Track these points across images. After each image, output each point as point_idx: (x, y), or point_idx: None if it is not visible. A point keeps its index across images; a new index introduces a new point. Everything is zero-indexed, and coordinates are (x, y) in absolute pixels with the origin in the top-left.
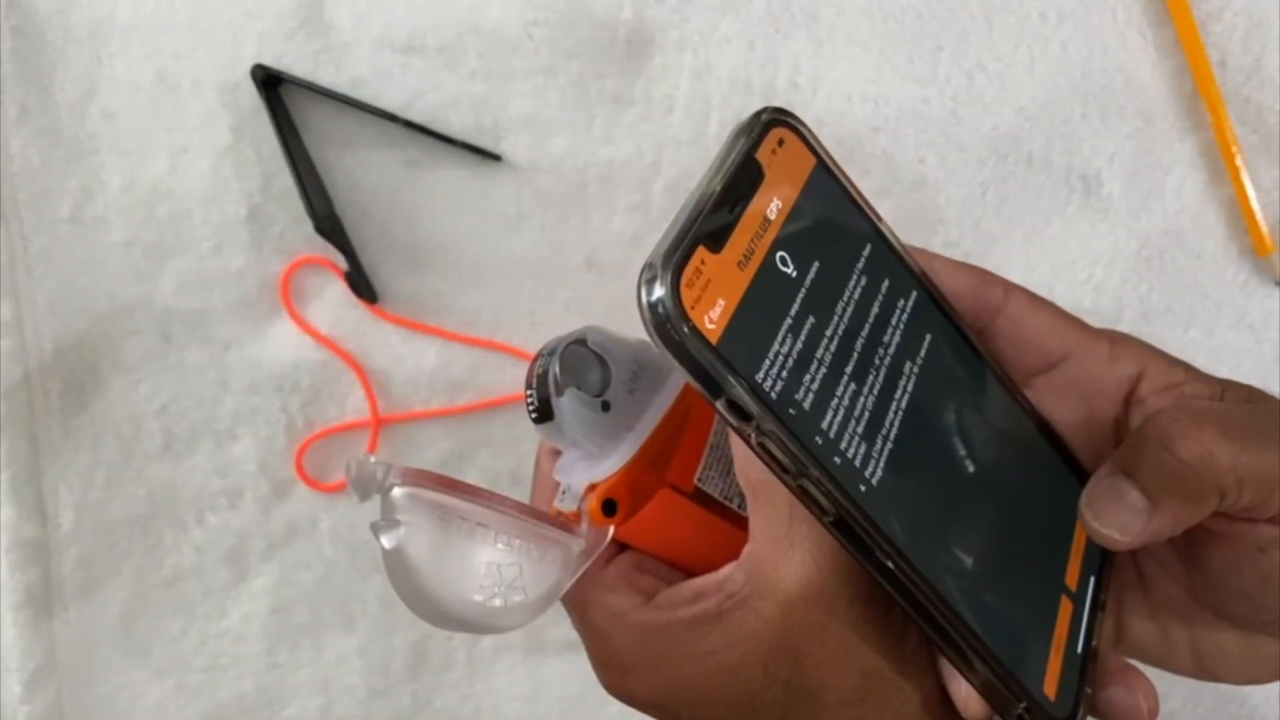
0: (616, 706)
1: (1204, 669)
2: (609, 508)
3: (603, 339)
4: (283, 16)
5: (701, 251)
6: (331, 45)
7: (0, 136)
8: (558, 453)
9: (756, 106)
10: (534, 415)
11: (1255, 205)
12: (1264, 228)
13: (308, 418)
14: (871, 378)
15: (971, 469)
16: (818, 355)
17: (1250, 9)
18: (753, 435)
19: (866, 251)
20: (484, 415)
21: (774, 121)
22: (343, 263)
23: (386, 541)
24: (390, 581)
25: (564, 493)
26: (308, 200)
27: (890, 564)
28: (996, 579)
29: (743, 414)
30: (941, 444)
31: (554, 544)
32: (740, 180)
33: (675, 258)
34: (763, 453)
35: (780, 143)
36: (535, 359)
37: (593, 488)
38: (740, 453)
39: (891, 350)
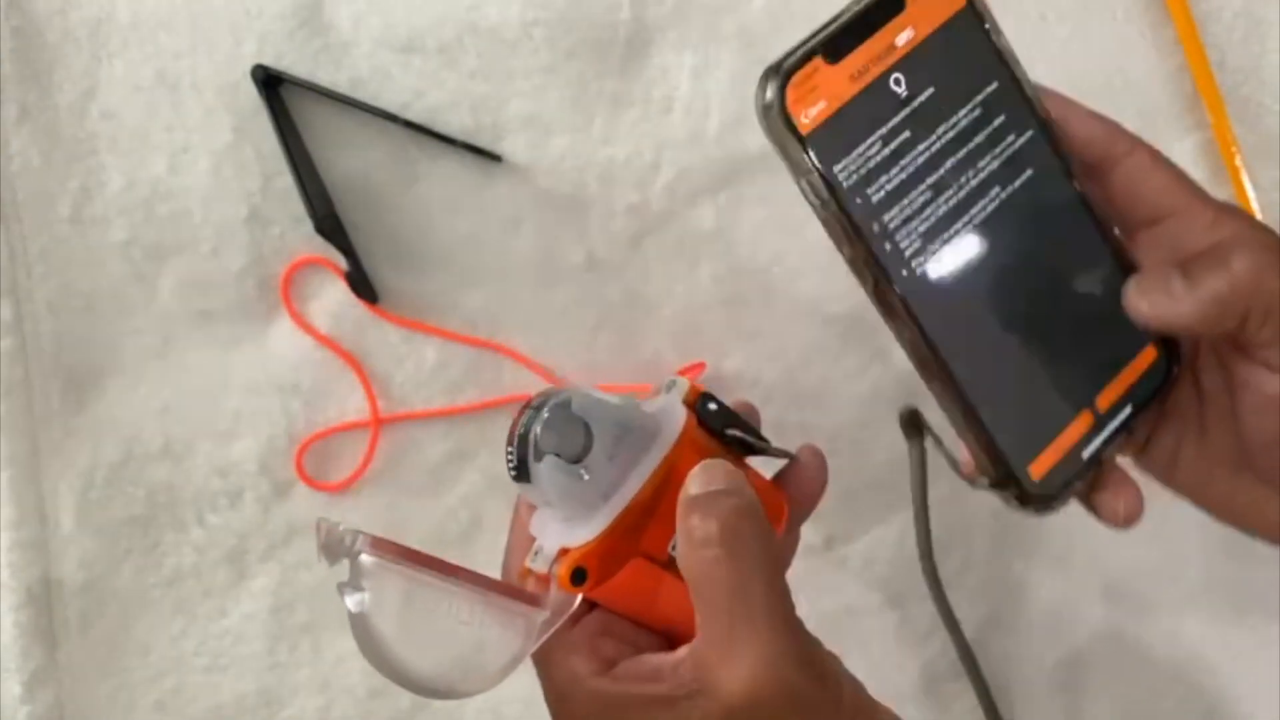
0: None
1: (1238, 518)
2: (578, 576)
3: (588, 404)
4: (282, 16)
5: (817, 61)
6: (331, 45)
7: (0, 136)
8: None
9: (813, 44)
10: (513, 473)
11: (1254, 205)
12: None
13: (308, 418)
14: (950, 192)
15: (1032, 287)
16: (902, 163)
17: (1249, 9)
18: (819, 209)
19: (991, 88)
20: (483, 415)
21: None
22: (343, 263)
23: (352, 606)
24: (355, 641)
25: (536, 552)
26: (308, 200)
27: (907, 333)
28: (1016, 377)
29: (816, 193)
30: (1005, 260)
31: (517, 616)
32: (878, 8)
33: (788, 63)
34: (830, 225)
35: None
36: (520, 412)
37: (565, 552)
38: (681, 546)
39: (982, 175)
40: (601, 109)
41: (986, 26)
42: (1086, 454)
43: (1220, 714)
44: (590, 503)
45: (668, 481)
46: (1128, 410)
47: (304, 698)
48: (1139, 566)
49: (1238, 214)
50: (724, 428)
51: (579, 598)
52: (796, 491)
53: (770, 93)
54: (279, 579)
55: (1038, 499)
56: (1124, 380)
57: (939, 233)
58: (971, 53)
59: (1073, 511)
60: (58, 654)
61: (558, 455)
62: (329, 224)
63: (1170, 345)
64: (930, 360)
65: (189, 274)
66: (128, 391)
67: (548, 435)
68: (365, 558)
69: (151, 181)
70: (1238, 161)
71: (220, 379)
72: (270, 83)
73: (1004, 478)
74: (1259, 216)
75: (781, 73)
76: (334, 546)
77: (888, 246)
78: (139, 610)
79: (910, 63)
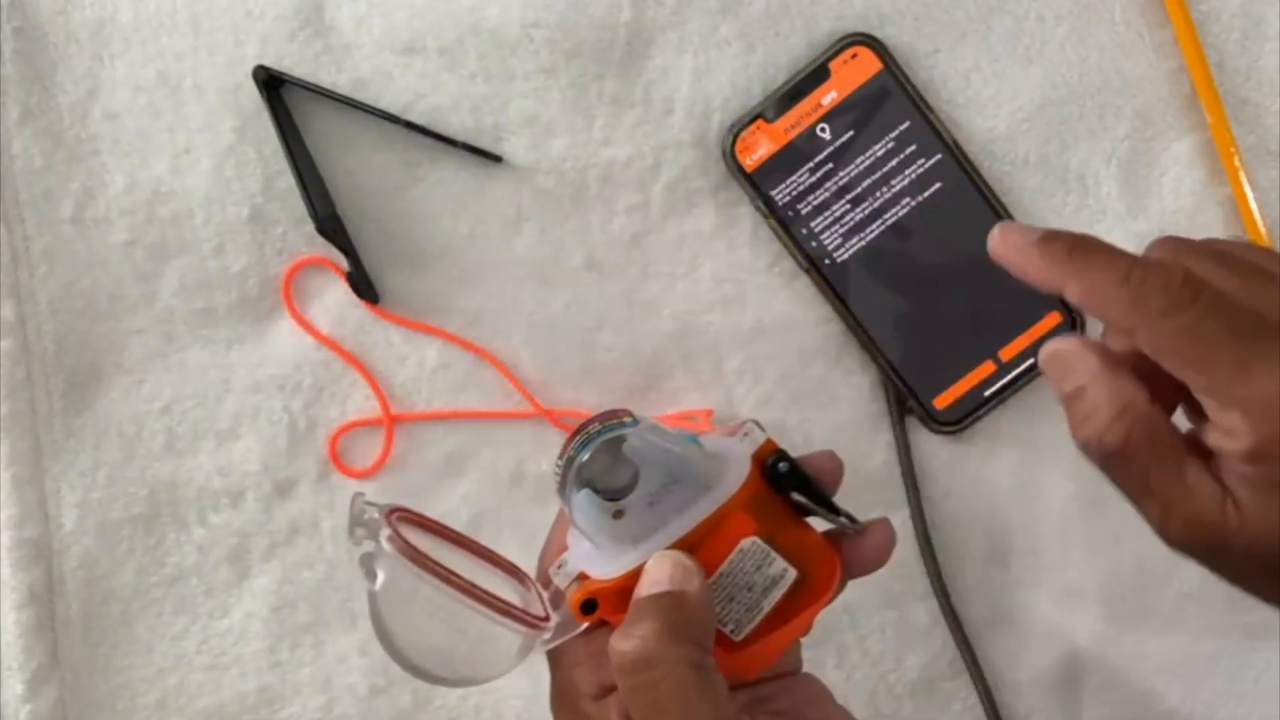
0: None
1: None
2: (588, 607)
3: (644, 445)
4: (284, 18)
5: (759, 121)
6: (333, 47)
7: (2, 137)
8: None
9: (756, 109)
10: (557, 487)
11: (1253, 206)
12: (1261, 229)
13: (310, 417)
14: (867, 203)
15: (940, 269)
16: (826, 185)
17: (1248, 10)
18: (764, 220)
19: (904, 126)
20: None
21: (853, 41)
22: (344, 263)
23: (368, 582)
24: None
25: (561, 565)
26: (309, 201)
27: (834, 304)
28: (925, 334)
29: (758, 209)
30: (916, 248)
31: (514, 635)
32: (806, 81)
33: (736, 124)
34: (773, 230)
35: (854, 55)
36: (580, 428)
37: (584, 577)
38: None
39: (895, 189)
40: (602, 110)
41: (902, 82)
42: (989, 393)
43: (1218, 715)
44: (619, 543)
45: (713, 533)
46: (1031, 361)
47: (305, 696)
48: (1138, 566)
49: None
50: (790, 490)
51: (584, 626)
52: (853, 557)
53: (724, 144)
54: (280, 578)
55: (942, 423)
56: (1028, 337)
57: (857, 231)
58: (888, 102)
59: (1072, 512)
60: (59, 652)
61: (596, 491)
62: (330, 224)
63: (1075, 311)
64: (854, 324)
65: (190, 274)
66: (129, 391)
67: (589, 468)
68: (387, 545)
69: (153, 182)
70: (1236, 162)
71: (222, 379)
72: (272, 84)
73: (912, 403)
74: (1258, 218)
75: (731, 131)
76: (358, 524)
77: (814, 244)
78: (141, 609)
79: (833, 115)
